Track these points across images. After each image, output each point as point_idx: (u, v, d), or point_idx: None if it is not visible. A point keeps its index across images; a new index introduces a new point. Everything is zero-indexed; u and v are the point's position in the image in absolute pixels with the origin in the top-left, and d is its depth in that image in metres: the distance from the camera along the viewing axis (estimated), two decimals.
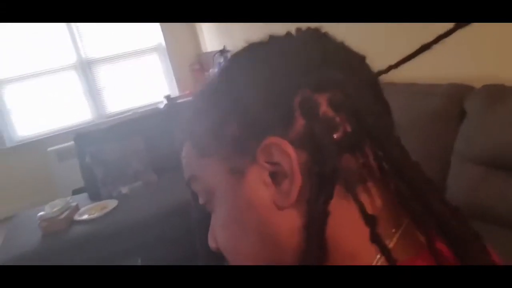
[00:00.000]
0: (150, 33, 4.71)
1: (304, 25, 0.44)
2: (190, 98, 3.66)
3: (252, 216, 0.39)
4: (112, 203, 2.54)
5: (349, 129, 0.36)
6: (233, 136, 0.39)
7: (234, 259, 0.42)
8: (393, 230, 0.37)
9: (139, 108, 4.50)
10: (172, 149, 2.44)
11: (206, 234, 0.50)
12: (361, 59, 0.42)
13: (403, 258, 0.35)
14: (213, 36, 4.48)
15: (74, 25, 4.33)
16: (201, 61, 4.81)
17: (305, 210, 0.36)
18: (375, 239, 0.35)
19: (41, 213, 2.32)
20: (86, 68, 4.45)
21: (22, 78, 4.23)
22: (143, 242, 2.33)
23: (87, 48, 4.44)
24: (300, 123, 0.37)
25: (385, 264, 0.35)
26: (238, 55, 0.43)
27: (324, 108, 0.37)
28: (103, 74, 4.56)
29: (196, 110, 0.44)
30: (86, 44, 4.43)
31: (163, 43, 4.72)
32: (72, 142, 3.84)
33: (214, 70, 4.21)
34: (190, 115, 0.45)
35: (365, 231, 0.36)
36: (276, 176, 0.38)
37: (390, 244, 0.36)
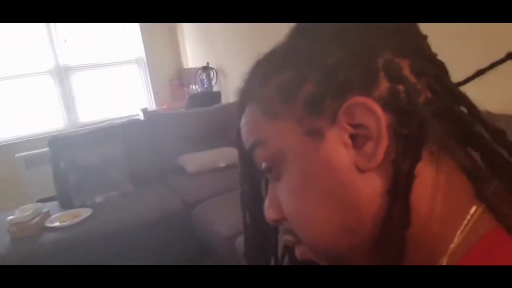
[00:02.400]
0: (131, 45, 4.68)
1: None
2: (171, 112, 3.64)
3: (329, 180, 0.37)
4: (85, 212, 2.44)
5: (429, 95, 0.37)
6: (310, 97, 0.37)
7: (305, 227, 0.40)
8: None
9: (113, 120, 4.41)
10: (150, 161, 2.41)
11: (257, 209, 0.50)
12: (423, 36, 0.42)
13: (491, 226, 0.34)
14: (195, 53, 4.51)
15: (54, 30, 4.24)
16: (181, 76, 4.81)
17: (389, 173, 0.36)
18: (482, 194, 0.34)
19: (11, 217, 2.20)
20: (62, 74, 4.34)
21: None
22: (115, 252, 2.26)
23: (65, 54, 4.34)
24: (384, 85, 0.36)
25: (469, 233, 0.34)
26: None
27: (406, 72, 0.37)
28: (80, 82, 4.46)
29: (265, 71, 0.42)
30: (65, 50, 4.34)
31: (144, 55, 4.70)
32: (41, 150, 3.75)
33: (195, 86, 4.21)
34: (257, 77, 0.43)
35: (453, 197, 0.36)
36: (356, 139, 0.37)
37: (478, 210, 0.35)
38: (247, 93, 0.44)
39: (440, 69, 0.40)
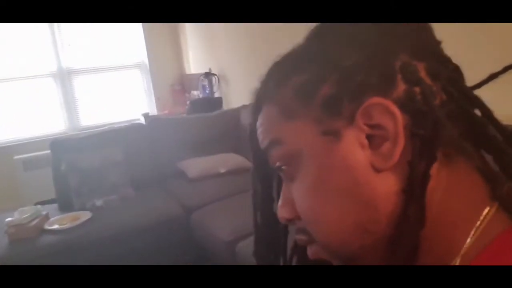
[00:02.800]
0: (134, 49, 4.69)
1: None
2: (173, 117, 3.64)
3: (346, 179, 0.38)
4: (85, 215, 2.43)
5: (444, 98, 0.38)
6: (327, 98, 0.38)
7: (320, 226, 0.41)
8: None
9: (114, 124, 4.41)
10: (151, 165, 2.41)
11: (268, 209, 0.51)
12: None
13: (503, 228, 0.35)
14: (197, 58, 4.52)
15: (57, 32, 4.26)
16: (183, 82, 4.82)
17: (405, 173, 0.36)
18: (498, 194, 0.35)
19: (9, 219, 2.19)
20: (65, 77, 4.35)
21: None
22: (114, 256, 2.24)
23: (68, 57, 4.35)
24: (401, 87, 0.37)
25: (482, 234, 0.35)
26: None
27: (423, 75, 0.37)
28: (82, 85, 4.46)
29: (283, 72, 0.42)
30: (68, 53, 4.35)
31: (147, 60, 4.71)
32: (39, 152, 3.75)
33: (196, 92, 4.23)
34: (275, 78, 0.43)
35: (466, 198, 0.36)
36: (373, 139, 0.37)
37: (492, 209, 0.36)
38: (264, 94, 0.44)
39: (455, 72, 0.41)
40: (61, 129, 4.37)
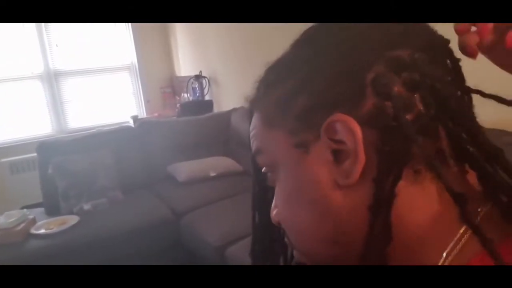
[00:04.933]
0: (123, 51, 4.65)
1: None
2: (163, 120, 3.62)
3: (313, 192, 0.38)
4: (72, 219, 2.40)
5: (423, 110, 0.35)
6: (300, 110, 0.38)
7: (293, 234, 0.42)
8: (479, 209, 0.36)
9: (103, 126, 4.36)
10: (140, 168, 2.39)
11: (265, 210, 0.51)
12: (444, 42, 0.40)
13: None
14: (188, 61, 4.50)
15: (45, 34, 4.20)
16: (173, 84, 4.79)
17: (370, 190, 0.35)
18: (466, 217, 0.33)
19: None
20: (52, 79, 4.29)
21: None
22: (102, 261, 2.21)
23: (56, 58, 4.29)
24: (371, 101, 0.35)
25: (459, 254, 0.34)
26: (314, 26, 0.42)
27: (398, 87, 0.35)
28: (70, 87, 4.39)
29: (269, 80, 0.43)
30: (56, 54, 4.28)
31: (136, 62, 4.67)
32: (26, 155, 3.69)
33: (187, 95, 4.20)
34: (263, 86, 0.44)
35: (440, 216, 0.35)
36: (338, 154, 0.37)
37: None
38: (253, 101, 0.46)
39: (438, 83, 0.37)
40: (48, 132, 4.30)
